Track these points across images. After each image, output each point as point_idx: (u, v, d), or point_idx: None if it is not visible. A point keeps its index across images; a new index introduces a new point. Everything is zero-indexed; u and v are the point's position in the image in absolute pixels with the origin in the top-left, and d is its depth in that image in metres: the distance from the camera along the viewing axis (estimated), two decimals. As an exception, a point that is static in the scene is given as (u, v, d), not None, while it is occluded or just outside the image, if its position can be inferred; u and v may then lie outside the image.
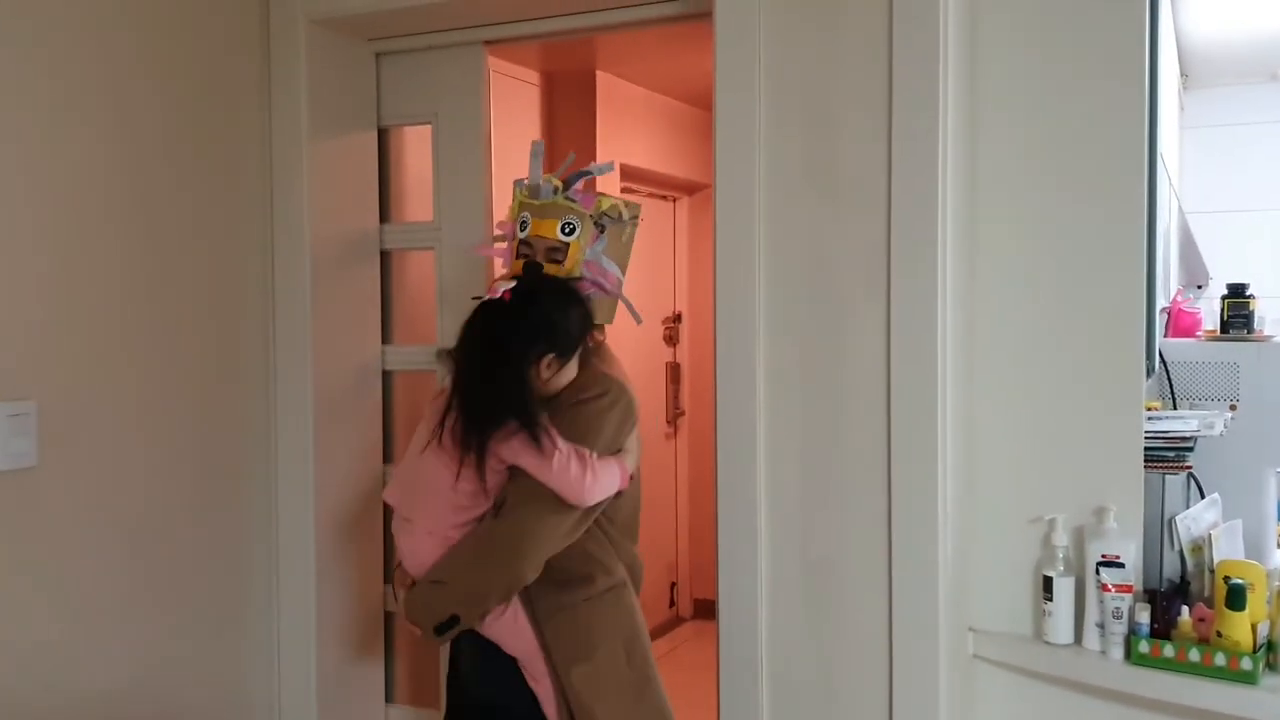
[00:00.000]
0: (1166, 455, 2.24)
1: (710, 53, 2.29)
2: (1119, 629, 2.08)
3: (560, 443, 2.01)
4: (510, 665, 2.15)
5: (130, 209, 2.43)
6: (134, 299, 2.44)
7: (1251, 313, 2.84)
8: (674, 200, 5.52)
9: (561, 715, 2.12)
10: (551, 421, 2.03)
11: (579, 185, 2.16)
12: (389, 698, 3.07)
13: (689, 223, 5.56)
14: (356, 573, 2.93)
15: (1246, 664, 1.95)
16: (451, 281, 2.89)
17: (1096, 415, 2.18)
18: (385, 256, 3.05)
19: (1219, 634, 1.99)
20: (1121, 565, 2.09)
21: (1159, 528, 2.24)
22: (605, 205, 2.15)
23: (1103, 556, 2.11)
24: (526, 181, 2.20)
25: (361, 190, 2.97)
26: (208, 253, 2.63)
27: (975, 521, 2.27)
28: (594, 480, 2.02)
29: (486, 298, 2.08)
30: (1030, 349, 2.23)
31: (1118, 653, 2.08)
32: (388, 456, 3.02)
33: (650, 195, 5.27)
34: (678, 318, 5.57)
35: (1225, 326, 2.86)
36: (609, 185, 4.37)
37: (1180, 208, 4.30)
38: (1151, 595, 2.11)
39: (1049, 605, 2.16)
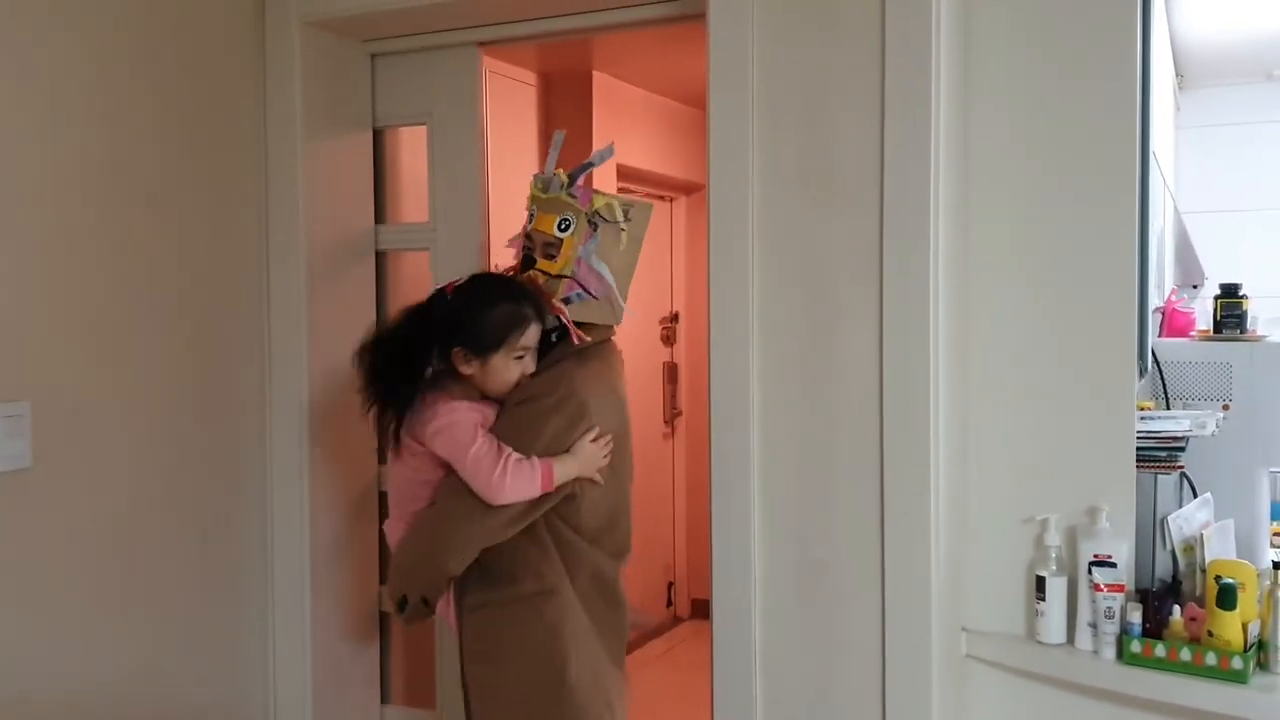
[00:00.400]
0: (1159, 455, 2.25)
1: (705, 53, 2.29)
2: (1111, 629, 2.08)
3: (480, 437, 2.01)
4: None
5: (124, 210, 2.43)
6: (128, 301, 2.44)
7: (1245, 313, 2.84)
8: (671, 200, 5.52)
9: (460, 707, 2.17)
10: (497, 420, 2.07)
11: (581, 181, 2.14)
12: (384, 698, 3.07)
13: (686, 223, 5.56)
14: (351, 573, 2.93)
15: (1237, 663, 1.95)
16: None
17: (1089, 415, 2.19)
18: (380, 257, 3.05)
19: (1210, 633, 2.00)
20: (1114, 565, 2.10)
21: (1151, 527, 2.25)
22: (599, 204, 2.13)
23: (1095, 556, 2.11)
24: (543, 174, 2.20)
25: (357, 191, 2.98)
26: (203, 254, 2.64)
27: (968, 521, 2.27)
28: (502, 478, 1.98)
29: (433, 289, 2.15)
30: (1023, 349, 2.24)
31: (1110, 652, 2.09)
32: (382, 458, 3.01)
33: (647, 195, 5.27)
34: (675, 318, 5.57)
35: (1218, 326, 2.86)
36: (609, 180, 4.38)
37: (1175, 207, 4.30)
38: (1143, 595, 2.12)
39: (1041, 605, 2.17)
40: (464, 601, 2.13)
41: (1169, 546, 2.24)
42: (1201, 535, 2.22)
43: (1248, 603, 2.01)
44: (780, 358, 2.25)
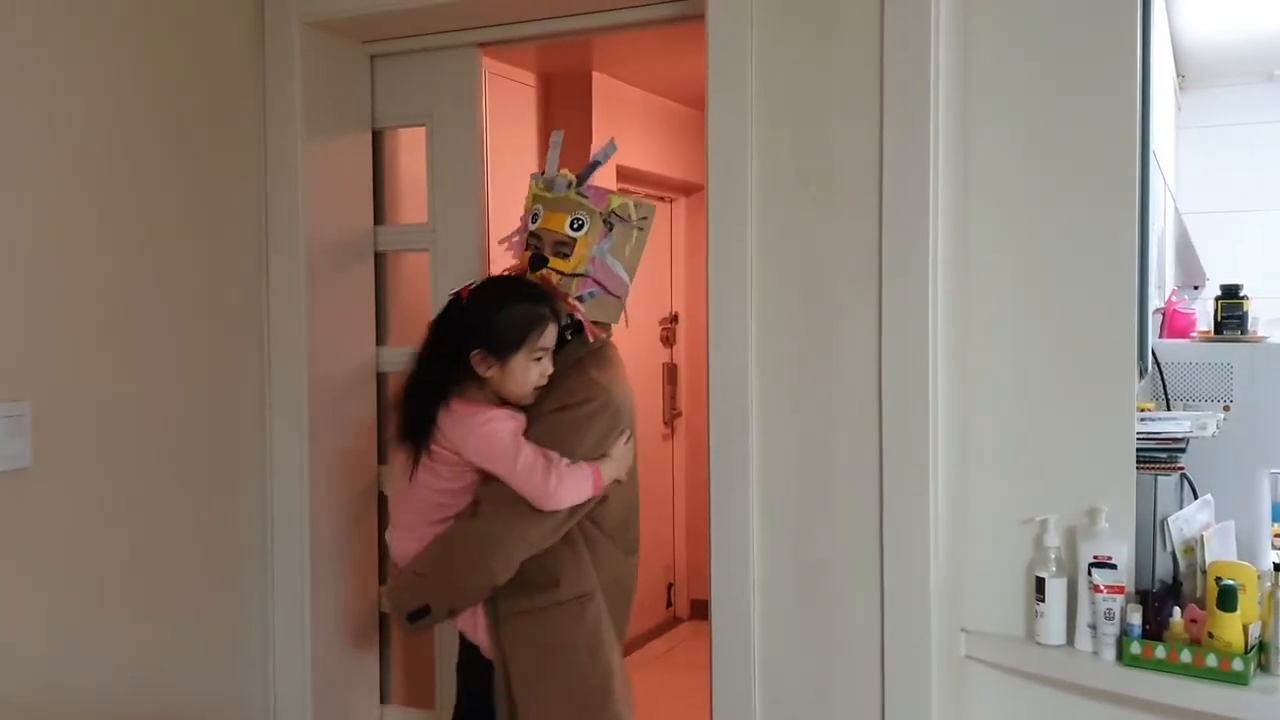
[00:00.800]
0: (1159, 456, 2.25)
1: (704, 54, 2.29)
2: (1111, 630, 2.08)
3: (525, 444, 2.01)
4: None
5: (125, 210, 2.43)
6: (128, 300, 2.45)
7: (1245, 313, 2.83)
8: (671, 202, 5.52)
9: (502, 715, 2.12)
10: (532, 426, 2.05)
11: (591, 180, 2.15)
12: (384, 698, 3.07)
13: (686, 224, 5.56)
14: (351, 573, 2.93)
15: (1238, 665, 1.95)
16: (446, 283, 2.88)
17: (1089, 416, 2.18)
18: (380, 258, 3.05)
19: (1210, 635, 2.00)
20: (1114, 566, 2.09)
21: (1151, 529, 2.24)
22: (615, 204, 2.14)
23: (1095, 557, 2.11)
24: (544, 174, 2.19)
25: (356, 192, 2.98)
26: (202, 254, 2.64)
27: (968, 522, 2.27)
28: (559, 485, 2.00)
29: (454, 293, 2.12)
30: (1023, 349, 2.23)
31: (1110, 654, 2.09)
32: (382, 458, 3.02)
33: (647, 197, 5.26)
34: (674, 318, 5.57)
35: (1219, 327, 2.86)
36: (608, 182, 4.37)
37: (1176, 208, 4.29)
38: (1143, 596, 2.12)
39: (1041, 606, 2.16)
40: (500, 609, 2.10)
41: (1169, 548, 2.23)
42: (1202, 536, 2.21)
43: (1248, 604, 2.00)
44: (779, 359, 2.25)
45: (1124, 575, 2.10)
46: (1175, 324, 3.17)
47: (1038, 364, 2.22)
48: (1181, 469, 2.28)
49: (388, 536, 2.21)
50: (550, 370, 2.07)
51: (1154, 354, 2.74)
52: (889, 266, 2.13)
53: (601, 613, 2.13)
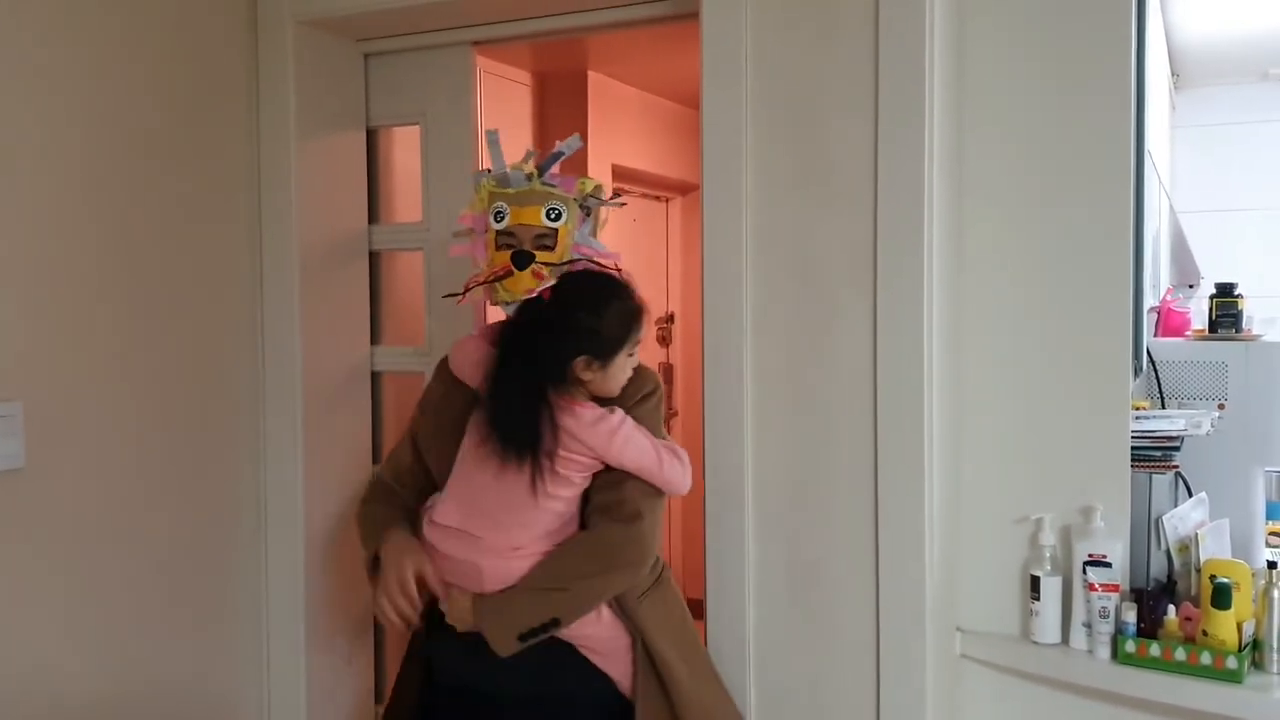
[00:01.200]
0: (1153, 455, 2.25)
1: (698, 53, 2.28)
2: (1105, 628, 2.08)
3: (651, 438, 2.05)
4: (571, 653, 2.07)
5: (117, 210, 2.43)
6: (120, 300, 2.44)
7: (1240, 312, 2.84)
8: (667, 201, 5.51)
9: (648, 687, 2.08)
10: None
11: (554, 169, 2.09)
12: (378, 698, 3.06)
13: (682, 223, 5.55)
14: (345, 574, 2.92)
15: (1232, 663, 1.95)
16: (440, 282, 2.88)
17: (1084, 415, 2.18)
18: (374, 257, 3.04)
19: (1205, 633, 2.00)
20: (1108, 565, 2.09)
21: (1146, 527, 2.24)
22: (589, 187, 2.09)
23: (1089, 556, 2.11)
24: (488, 172, 2.12)
25: (350, 191, 2.97)
26: (195, 253, 2.63)
27: (962, 521, 2.27)
28: (686, 470, 2.07)
29: (524, 299, 2.03)
30: (1017, 348, 2.23)
31: (1104, 652, 2.08)
32: (376, 457, 3.02)
33: (643, 196, 5.27)
34: (670, 319, 5.56)
35: (1214, 326, 2.86)
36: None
37: (1171, 206, 4.30)
38: (1138, 594, 2.11)
39: (1036, 605, 2.16)
40: (627, 596, 2.09)
41: (1164, 546, 2.23)
42: (1196, 535, 2.21)
43: (1243, 602, 2.00)
44: (774, 358, 2.24)
45: (1119, 574, 2.10)
46: (1170, 323, 3.17)
47: (1033, 363, 2.22)
48: (1176, 467, 2.28)
49: (463, 554, 2.04)
50: (638, 361, 2.10)
51: (1149, 353, 2.74)
52: (884, 266, 2.12)
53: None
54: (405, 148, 3.09)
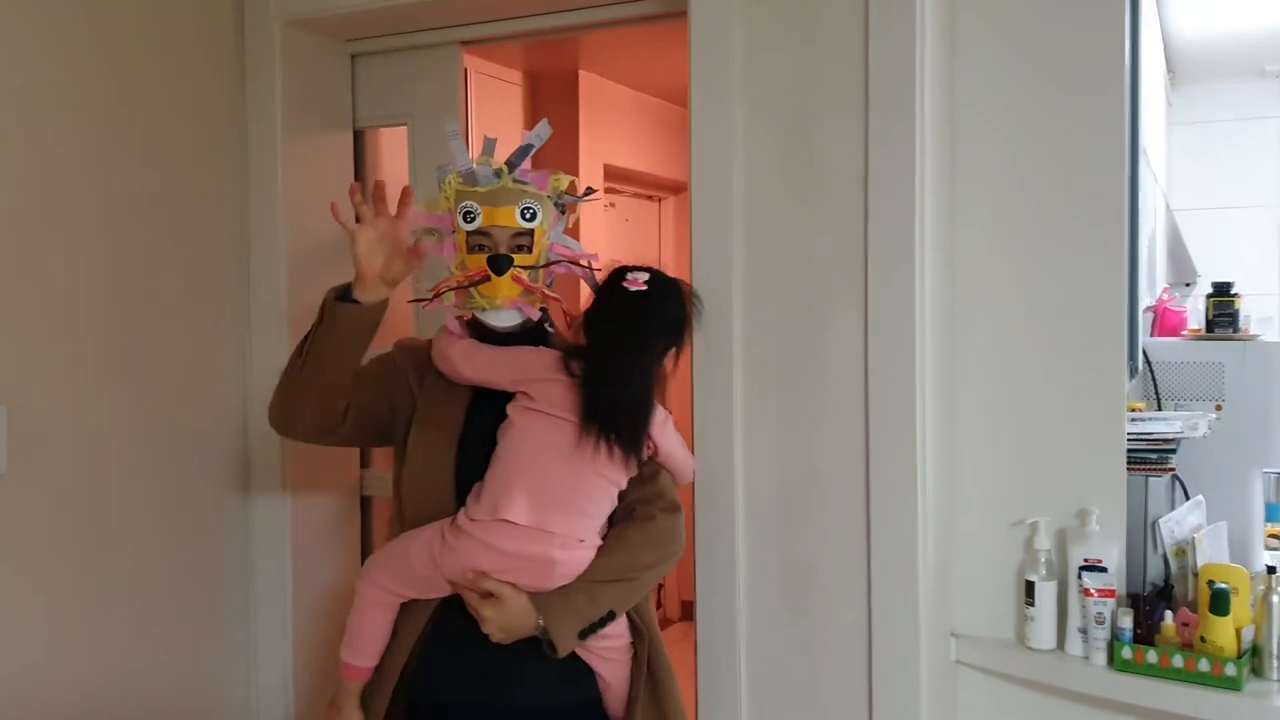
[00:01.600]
0: (1150, 457, 2.23)
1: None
2: (1102, 634, 2.06)
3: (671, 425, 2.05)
4: (575, 659, 1.99)
5: (101, 212, 2.40)
6: (105, 304, 2.41)
7: (1237, 311, 2.82)
8: (659, 200, 5.49)
9: (637, 685, 2.07)
10: None
11: (525, 165, 2.00)
12: (368, 703, 3.04)
13: (674, 223, 5.53)
14: (333, 573, 2.90)
15: (1230, 670, 1.93)
16: (428, 284, 2.85)
17: (1078, 417, 2.16)
18: (362, 259, 3.01)
19: (1203, 639, 1.97)
20: (1104, 569, 2.07)
21: (1142, 531, 2.22)
22: (564, 184, 2.01)
23: (1085, 560, 2.09)
24: (451, 168, 2.02)
25: (338, 192, 2.92)
26: (182, 256, 2.60)
27: (956, 525, 2.25)
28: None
29: (631, 288, 1.98)
30: (1011, 350, 2.21)
31: (1100, 658, 2.06)
32: (364, 460, 2.99)
33: (635, 195, 5.25)
34: (665, 318, 5.53)
35: (1210, 325, 2.84)
36: (597, 182, 4.34)
37: (1167, 205, 4.28)
38: (1134, 600, 2.09)
39: (1031, 610, 2.14)
40: None
41: (1160, 550, 2.21)
42: (1193, 538, 2.19)
43: (1241, 607, 1.98)
44: (764, 360, 2.22)
45: (1115, 578, 2.07)
46: (1166, 322, 3.15)
47: (1027, 364, 2.20)
48: (1173, 470, 2.26)
49: (537, 550, 1.91)
50: None
51: (1145, 353, 2.72)
52: (875, 267, 2.09)
53: None
54: (393, 149, 3.07)
